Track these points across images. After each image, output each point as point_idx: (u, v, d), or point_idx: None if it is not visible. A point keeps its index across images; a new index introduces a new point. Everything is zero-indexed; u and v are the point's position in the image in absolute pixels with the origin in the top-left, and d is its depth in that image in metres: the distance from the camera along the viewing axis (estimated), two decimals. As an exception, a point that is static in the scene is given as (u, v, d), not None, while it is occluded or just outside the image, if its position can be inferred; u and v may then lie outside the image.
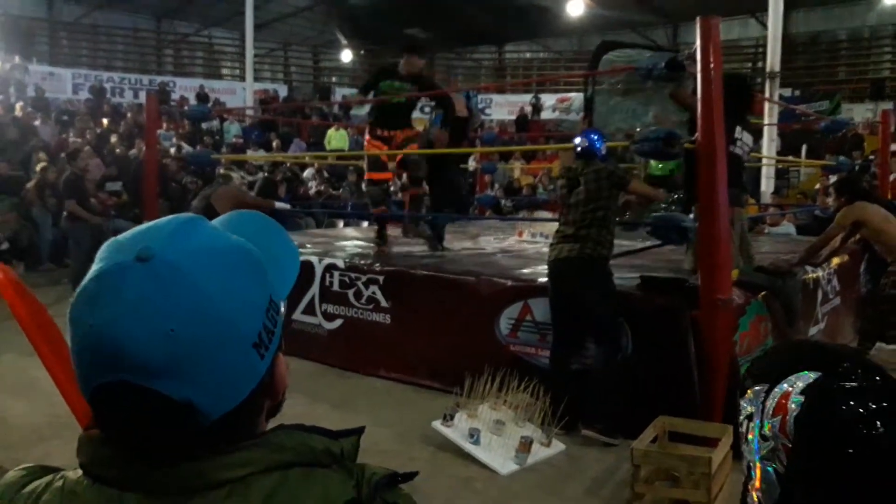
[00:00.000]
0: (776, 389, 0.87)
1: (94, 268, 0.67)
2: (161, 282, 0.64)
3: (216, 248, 0.69)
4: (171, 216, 0.73)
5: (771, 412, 0.87)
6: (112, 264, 0.66)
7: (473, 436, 3.93)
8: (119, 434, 0.68)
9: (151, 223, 0.71)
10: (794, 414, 0.84)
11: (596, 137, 4.49)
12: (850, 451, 0.80)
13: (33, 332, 2.49)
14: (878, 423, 0.80)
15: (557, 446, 4.03)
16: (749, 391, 0.92)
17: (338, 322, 5.65)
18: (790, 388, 0.86)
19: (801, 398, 0.85)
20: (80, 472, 0.70)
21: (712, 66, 4.01)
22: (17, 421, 4.37)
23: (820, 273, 5.78)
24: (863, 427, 0.80)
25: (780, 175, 13.37)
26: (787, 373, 0.88)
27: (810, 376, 0.86)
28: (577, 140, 4.54)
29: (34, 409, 4.27)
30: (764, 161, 10.34)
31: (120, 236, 0.70)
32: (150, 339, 0.63)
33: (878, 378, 0.84)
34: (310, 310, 5.75)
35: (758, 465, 0.89)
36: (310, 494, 0.68)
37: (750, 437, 0.90)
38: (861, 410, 0.81)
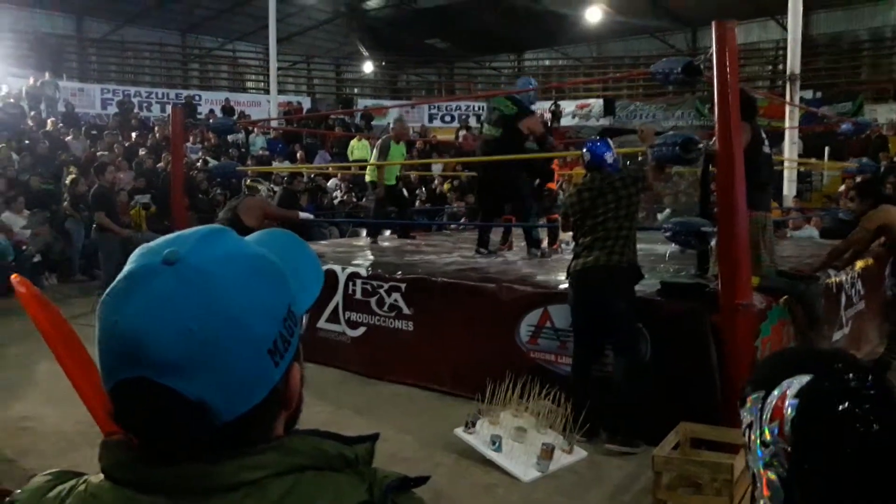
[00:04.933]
0: (772, 395, 0.88)
1: (125, 269, 0.71)
2: (184, 283, 0.67)
3: (239, 256, 0.72)
4: (198, 227, 0.77)
5: (769, 418, 0.88)
6: (140, 266, 0.70)
7: (495, 443, 3.96)
8: (137, 431, 0.70)
9: (180, 232, 0.75)
10: (791, 417, 0.85)
11: (600, 146, 4.44)
12: (847, 450, 0.81)
13: (56, 343, 2.54)
14: (872, 421, 0.81)
15: (579, 453, 4.04)
16: (748, 400, 0.93)
17: (361, 329, 5.70)
18: (785, 392, 0.87)
19: (797, 401, 0.85)
20: (101, 476, 0.73)
21: (728, 70, 4.01)
22: (48, 429, 4.47)
23: (844, 277, 5.73)
24: (858, 426, 0.81)
25: (802, 178, 13.23)
26: (781, 378, 0.89)
27: (804, 379, 0.87)
28: (585, 150, 4.45)
29: (66, 418, 4.35)
30: (786, 164, 10.24)
31: (150, 243, 0.73)
32: (169, 336, 0.66)
33: (869, 377, 0.85)
34: (334, 318, 5.81)
35: (762, 472, 0.89)
36: (322, 497, 0.70)
37: (752, 445, 0.91)
38: (855, 410, 0.82)
